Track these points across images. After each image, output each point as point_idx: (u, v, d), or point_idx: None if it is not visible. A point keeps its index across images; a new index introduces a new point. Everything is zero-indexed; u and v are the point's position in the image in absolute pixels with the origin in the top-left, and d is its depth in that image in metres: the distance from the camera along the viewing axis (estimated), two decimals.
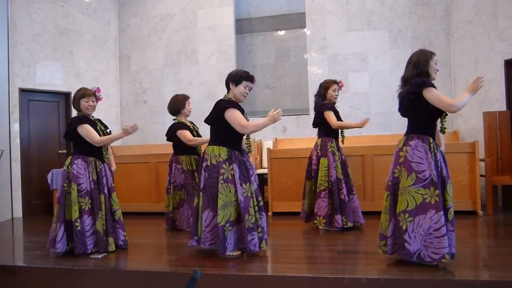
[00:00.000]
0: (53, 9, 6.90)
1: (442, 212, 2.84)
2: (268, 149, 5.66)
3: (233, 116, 3.36)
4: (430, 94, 2.92)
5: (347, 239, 4.10)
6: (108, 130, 3.99)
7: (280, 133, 7.17)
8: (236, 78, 3.46)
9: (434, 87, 2.97)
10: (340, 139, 4.58)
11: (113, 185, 3.92)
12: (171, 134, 4.67)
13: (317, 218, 4.30)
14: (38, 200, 6.69)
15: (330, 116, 4.44)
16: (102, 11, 7.59)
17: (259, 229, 3.46)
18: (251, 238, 3.36)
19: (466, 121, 6.30)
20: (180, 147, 4.66)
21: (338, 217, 4.26)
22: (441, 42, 6.61)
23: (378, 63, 6.85)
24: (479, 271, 2.92)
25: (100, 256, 3.60)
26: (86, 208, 3.65)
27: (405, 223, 2.92)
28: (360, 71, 6.92)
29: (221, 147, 3.40)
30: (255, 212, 3.44)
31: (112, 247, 3.75)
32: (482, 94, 6.07)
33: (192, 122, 4.90)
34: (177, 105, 4.70)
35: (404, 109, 3.17)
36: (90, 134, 3.69)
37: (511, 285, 2.59)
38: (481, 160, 5.33)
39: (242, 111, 3.48)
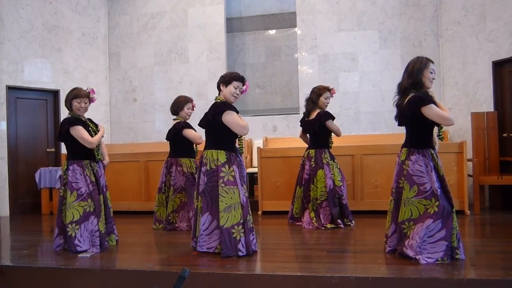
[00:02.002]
0: (41, 5, 6.82)
1: (439, 221, 3.01)
2: (258, 148, 5.66)
3: (231, 118, 3.37)
4: (429, 112, 3.05)
5: (336, 238, 4.12)
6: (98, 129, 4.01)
7: (270, 132, 7.18)
8: (226, 79, 3.47)
9: (432, 100, 3.08)
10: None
11: (106, 183, 4.01)
12: (175, 133, 4.54)
13: (327, 225, 4.47)
14: (26, 199, 6.61)
15: (335, 126, 4.54)
16: (92, 8, 7.52)
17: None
18: (252, 238, 3.45)
19: (454, 121, 6.35)
20: (182, 149, 4.58)
21: (339, 221, 4.50)
22: (430, 43, 6.67)
23: (368, 63, 6.89)
24: (466, 270, 2.94)
25: (88, 255, 3.58)
26: (92, 210, 3.71)
27: (409, 230, 3.14)
28: (350, 71, 6.95)
29: (219, 150, 3.41)
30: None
31: (113, 243, 3.97)
32: (470, 95, 6.14)
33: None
34: (176, 106, 4.66)
35: (402, 121, 3.29)
36: (83, 135, 3.69)
37: (498, 283, 2.63)
38: (469, 160, 5.39)
39: (237, 112, 3.49)
